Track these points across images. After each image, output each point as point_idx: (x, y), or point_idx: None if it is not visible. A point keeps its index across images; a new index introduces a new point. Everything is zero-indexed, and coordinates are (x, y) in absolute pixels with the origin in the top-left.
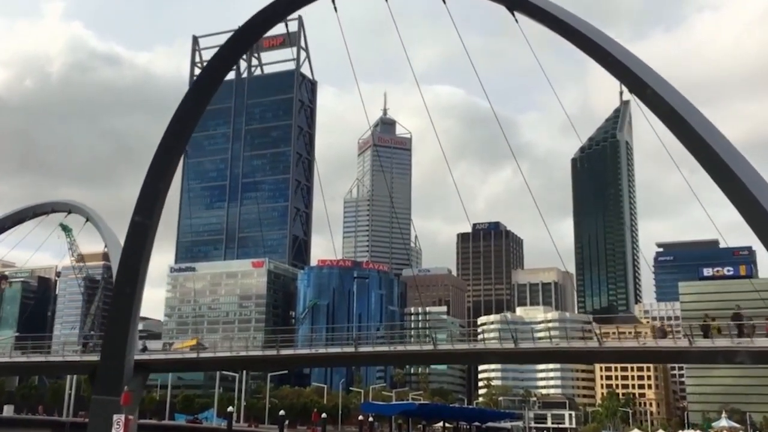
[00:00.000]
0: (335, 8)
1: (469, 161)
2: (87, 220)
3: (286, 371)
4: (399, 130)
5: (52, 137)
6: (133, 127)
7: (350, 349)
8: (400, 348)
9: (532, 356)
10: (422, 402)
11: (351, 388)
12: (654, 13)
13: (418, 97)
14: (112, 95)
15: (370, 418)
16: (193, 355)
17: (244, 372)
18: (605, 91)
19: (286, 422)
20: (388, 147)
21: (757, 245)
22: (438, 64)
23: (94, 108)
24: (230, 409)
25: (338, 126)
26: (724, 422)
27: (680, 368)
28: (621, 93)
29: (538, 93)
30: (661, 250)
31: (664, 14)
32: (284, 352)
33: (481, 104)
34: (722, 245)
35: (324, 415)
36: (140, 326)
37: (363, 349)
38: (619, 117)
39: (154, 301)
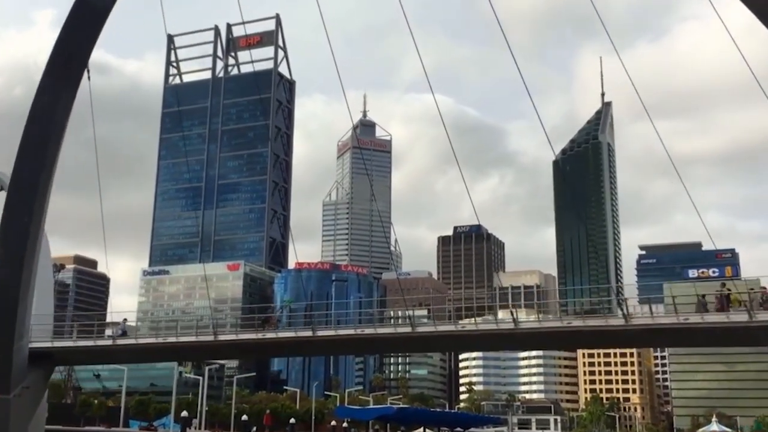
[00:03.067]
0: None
1: (456, 169)
2: (1, 188)
3: (254, 373)
4: (379, 133)
5: None
6: (119, 134)
7: (307, 333)
8: (369, 331)
9: (536, 339)
10: (401, 406)
11: (328, 393)
12: (639, 22)
13: (406, 106)
14: (99, 103)
15: (345, 424)
16: (108, 342)
17: (209, 375)
18: (589, 98)
19: (254, 428)
20: (368, 149)
21: (739, 248)
22: (428, 72)
23: (81, 116)
24: (184, 413)
25: (317, 128)
26: (714, 427)
27: (664, 372)
28: (603, 95)
29: (525, 101)
30: (643, 252)
31: (649, 24)
32: (223, 337)
33: (469, 113)
34: (705, 248)
35: (292, 420)
36: (109, 332)
37: (322, 333)
38: (600, 119)
39: (127, 306)
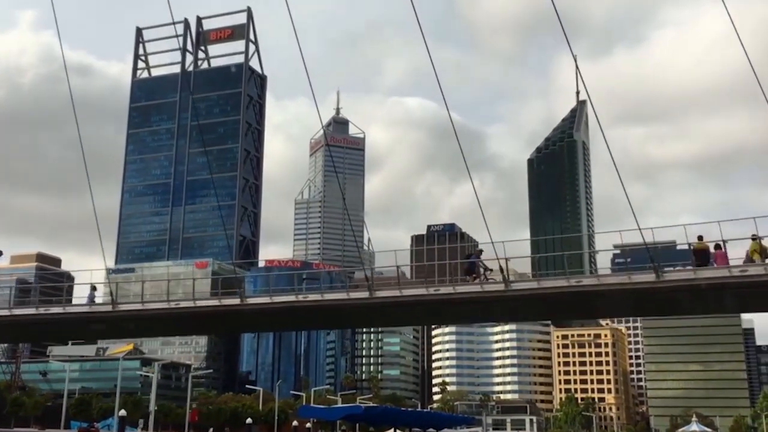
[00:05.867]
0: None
1: (436, 172)
2: None
3: (210, 369)
4: (353, 130)
5: (20, 147)
6: (101, 136)
7: (233, 301)
8: (314, 297)
9: (531, 306)
10: (369, 405)
11: (296, 393)
12: (617, 29)
13: (387, 109)
14: (81, 105)
15: (308, 425)
16: None
17: (175, 377)
18: (567, 102)
19: (211, 429)
20: (340, 147)
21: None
22: (410, 76)
23: (63, 118)
24: (122, 412)
25: (299, 130)
26: (694, 426)
27: (639, 372)
28: (578, 93)
29: (505, 105)
30: (617, 251)
31: (627, 31)
32: (125, 307)
33: (452, 117)
34: (679, 247)
35: (249, 420)
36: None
37: (254, 300)
38: (575, 117)
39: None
